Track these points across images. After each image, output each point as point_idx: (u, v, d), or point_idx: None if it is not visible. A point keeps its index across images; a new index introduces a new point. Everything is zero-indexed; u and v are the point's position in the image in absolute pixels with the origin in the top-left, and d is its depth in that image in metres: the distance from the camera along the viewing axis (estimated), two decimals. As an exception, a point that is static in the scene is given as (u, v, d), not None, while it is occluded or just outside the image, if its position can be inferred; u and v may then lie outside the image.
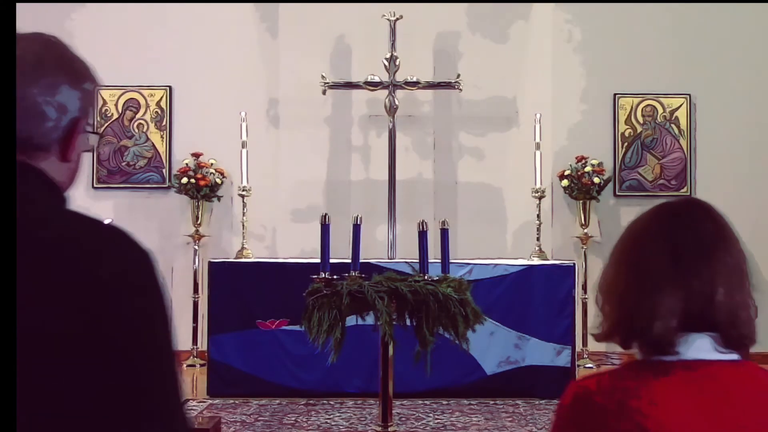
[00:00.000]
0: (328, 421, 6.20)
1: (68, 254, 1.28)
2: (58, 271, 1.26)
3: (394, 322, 4.79)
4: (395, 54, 7.92)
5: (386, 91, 7.94)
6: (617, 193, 8.64)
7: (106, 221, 1.41)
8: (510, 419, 6.30)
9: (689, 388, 1.39)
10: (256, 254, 7.81)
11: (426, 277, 4.88)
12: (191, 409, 6.30)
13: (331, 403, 6.69)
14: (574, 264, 7.43)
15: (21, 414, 1.21)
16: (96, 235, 1.33)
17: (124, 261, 1.31)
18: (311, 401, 6.71)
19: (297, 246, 8.04)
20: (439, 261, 5.09)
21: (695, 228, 1.49)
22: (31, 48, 1.37)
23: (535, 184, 7.81)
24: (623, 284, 1.46)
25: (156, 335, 1.31)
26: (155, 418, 1.28)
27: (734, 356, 1.45)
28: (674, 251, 1.44)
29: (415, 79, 7.95)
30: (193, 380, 7.51)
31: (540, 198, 7.83)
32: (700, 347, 1.43)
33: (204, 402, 6.75)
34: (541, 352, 6.98)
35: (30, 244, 1.26)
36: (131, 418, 1.26)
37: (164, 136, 8.59)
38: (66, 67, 1.41)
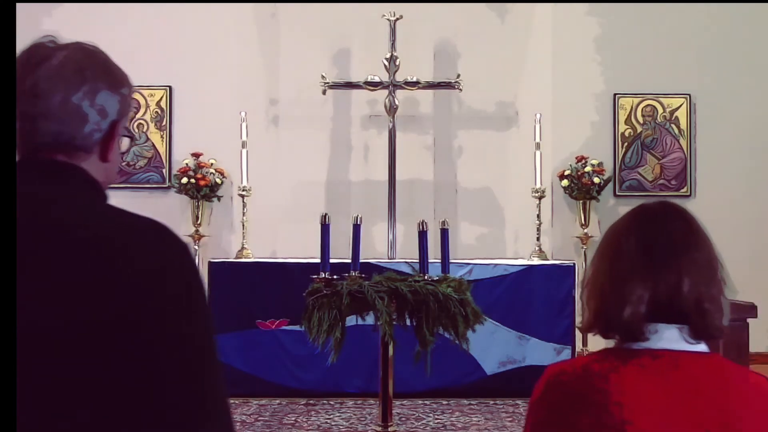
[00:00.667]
0: (328, 421, 6.20)
1: (112, 247, 1.36)
2: (103, 264, 1.33)
3: (394, 322, 4.79)
4: (395, 54, 7.92)
5: (386, 91, 7.94)
6: (617, 193, 8.64)
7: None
8: (510, 419, 6.30)
9: (656, 375, 1.48)
10: (256, 254, 7.81)
11: (426, 277, 4.88)
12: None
13: (331, 403, 6.69)
14: (574, 264, 7.43)
15: (77, 406, 1.29)
16: (137, 229, 1.41)
17: (165, 253, 1.39)
18: (311, 401, 6.71)
19: (297, 246, 8.04)
20: (439, 261, 5.09)
21: (667, 226, 1.60)
22: (74, 56, 1.47)
23: (535, 184, 7.81)
24: (601, 277, 1.59)
25: (198, 326, 1.37)
26: (205, 413, 1.32)
27: (702, 347, 1.58)
28: (646, 246, 1.56)
29: (415, 79, 7.96)
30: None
31: (540, 198, 7.84)
32: (669, 338, 1.54)
33: (204, 402, 6.74)
34: (541, 352, 6.98)
35: (74, 238, 1.35)
36: (183, 411, 1.31)
37: (164, 136, 8.59)
38: (105, 73, 1.51)
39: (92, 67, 1.49)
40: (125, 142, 1.56)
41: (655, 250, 1.55)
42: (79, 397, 1.29)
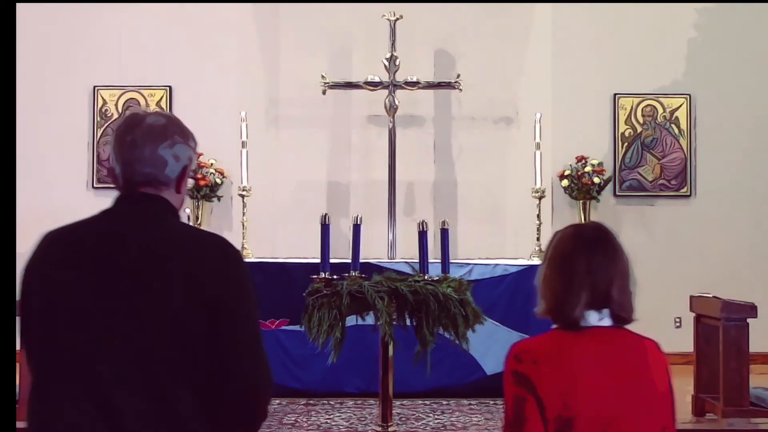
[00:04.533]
0: (328, 421, 6.19)
1: (188, 249, 2.04)
2: (183, 262, 2.00)
3: (394, 322, 4.79)
4: (395, 54, 7.92)
5: (386, 91, 7.94)
6: (617, 193, 8.64)
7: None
8: (510, 419, 6.29)
9: (592, 343, 2.21)
10: (256, 254, 7.80)
11: (426, 277, 4.88)
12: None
13: (331, 403, 6.69)
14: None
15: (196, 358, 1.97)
16: (204, 238, 2.12)
17: (227, 253, 2.08)
18: (311, 401, 6.71)
19: (297, 246, 8.03)
20: (439, 261, 5.09)
21: (601, 248, 2.27)
22: (158, 121, 2.12)
23: (535, 184, 7.80)
24: (555, 283, 2.26)
25: (253, 302, 2.08)
26: (262, 354, 2.06)
27: (618, 324, 2.27)
28: (588, 265, 2.24)
29: (415, 79, 7.96)
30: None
31: (540, 198, 7.82)
32: (600, 319, 2.25)
33: (204, 402, 6.74)
34: (541, 352, 6.97)
35: (162, 244, 2.03)
36: (256, 354, 2.04)
37: (164, 136, 8.59)
38: (180, 132, 2.14)
39: (171, 128, 2.12)
40: (190, 181, 2.10)
41: (595, 267, 2.23)
42: (186, 348, 1.97)
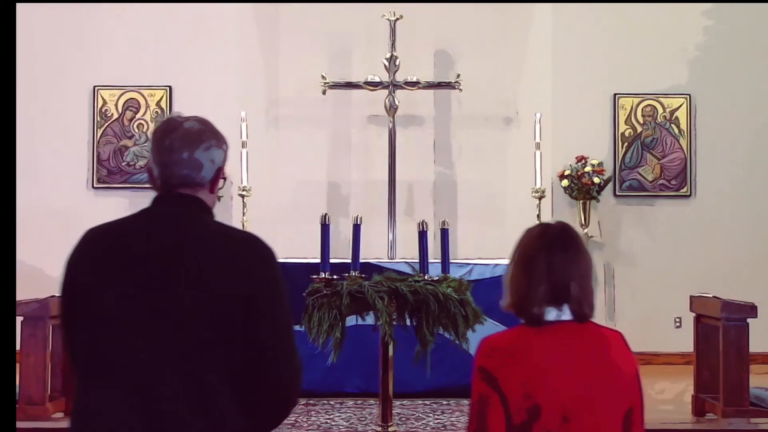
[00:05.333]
0: (328, 421, 6.19)
1: (223, 247, 2.18)
2: (218, 258, 2.15)
3: (394, 322, 4.79)
4: (395, 54, 7.92)
5: (386, 91, 7.94)
6: (617, 193, 8.64)
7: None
8: (510, 419, 6.29)
9: (553, 337, 2.32)
10: (256, 254, 7.80)
11: (426, 277, 4.87)
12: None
13: (331, 403, 6.69)
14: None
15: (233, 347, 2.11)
16: (238, 236, 2.27)
17: (259, 251, 2.21)
18: (311, 401, 6.70)
19: (297, 246, 8.03)
20: (439, 261, 5.08)
21: (563, 249, 2.38)
22: (194, 126, 2.27)
23: (535, 184, 7.80)
24: (517, 281, 2.39)
25: (285, 298, 2.22)
26: (293, 346, 2.22)
27: (579, 319, 2.37)
28: (549, 262, 2.36)
29: (415, 79, 7.96)
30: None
31: (540, 198, 7.82)
32: (559, 315, 2.35)
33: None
34: (541, 352, 6.97)
35: (198, 241, 2.18)
36: (288, 347, 2.20)
37: (164, 136, 8.59)
38: (214, 137, 2.29)
39: (206, 132, 2.27)
40: (221, 182, 2.32)
41: (555, 266, 2.35)
42: (222, 340, 2.10)
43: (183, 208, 2.24)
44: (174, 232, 2.19)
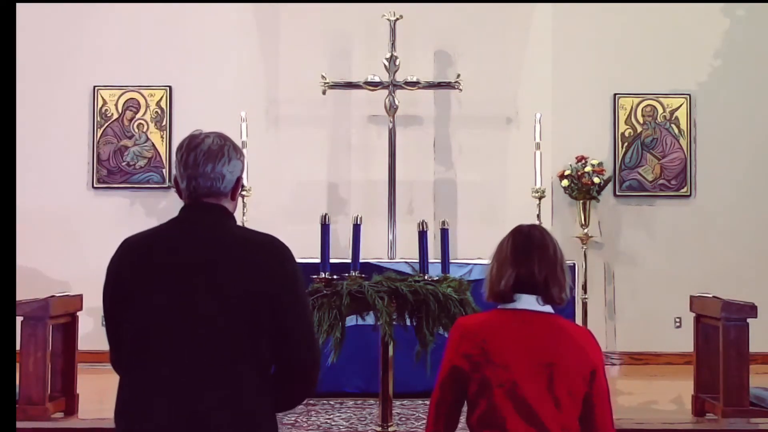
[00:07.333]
0: (328, 421, 6.19)
1: (245, 250, 2.43)
2: (242, 261, 2.40)
3: (394, 322, 4.78)
4: (395, 54, 7.92)
5: (386, 91, 7.94)
6: (617, 193, 8.64)
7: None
8: (510, 419, 6.28)
9: (518, 324, 2.61)
10: (256, 254, 7.79)
11: (426, 277, 4.87)
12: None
13: (331, 403, 6.69)
14: (574, 264, 7.42)
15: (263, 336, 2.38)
16: (259, 239, 2.50)
17: (279, 253, 2.47)
18: (311, 401, 6.70)
19: (297, 246, 8.02)
20: (439, 261, 5.08)
21: (528, 237, 2.70)
22: (215, 141, 2.54)
23: (535, 184, 7.80)
24: (492, 267, 2.70)
25: (305, 295, 2.50)
26: (313, 339, 2.50)
27: (548, 309, 2.65)
28: (514, 247, 2.68)
29: (415, 79, 7.96)
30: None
31: (540, 198, 7.82)
32: (527, 302, 2.64)
33: (204, 402, 6.74)
34: (541, 352, 6.96)
35: (223, 246, 2.43)
36: (309, 340, 2.46)
37: (164, 136, 8.60)
38: (234, 149, 2.56)
39: (227, 147, 2.54)
40: (240, 189, 2.59)
41: (519, 250, 2.66)
42: (248, 334, 2.36)
43: (208, 216, 2.51)
44: (202, 238, 2.46)
